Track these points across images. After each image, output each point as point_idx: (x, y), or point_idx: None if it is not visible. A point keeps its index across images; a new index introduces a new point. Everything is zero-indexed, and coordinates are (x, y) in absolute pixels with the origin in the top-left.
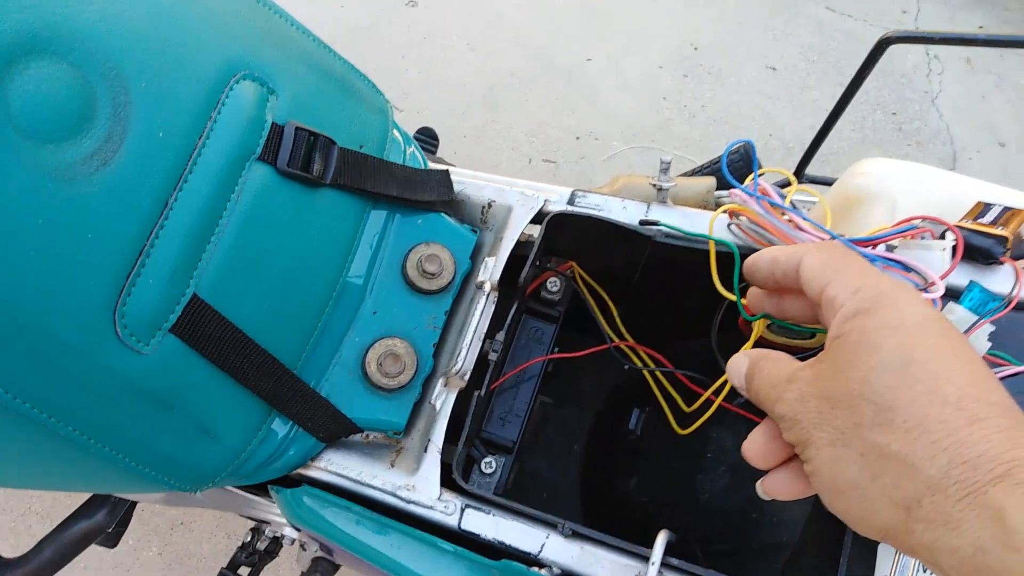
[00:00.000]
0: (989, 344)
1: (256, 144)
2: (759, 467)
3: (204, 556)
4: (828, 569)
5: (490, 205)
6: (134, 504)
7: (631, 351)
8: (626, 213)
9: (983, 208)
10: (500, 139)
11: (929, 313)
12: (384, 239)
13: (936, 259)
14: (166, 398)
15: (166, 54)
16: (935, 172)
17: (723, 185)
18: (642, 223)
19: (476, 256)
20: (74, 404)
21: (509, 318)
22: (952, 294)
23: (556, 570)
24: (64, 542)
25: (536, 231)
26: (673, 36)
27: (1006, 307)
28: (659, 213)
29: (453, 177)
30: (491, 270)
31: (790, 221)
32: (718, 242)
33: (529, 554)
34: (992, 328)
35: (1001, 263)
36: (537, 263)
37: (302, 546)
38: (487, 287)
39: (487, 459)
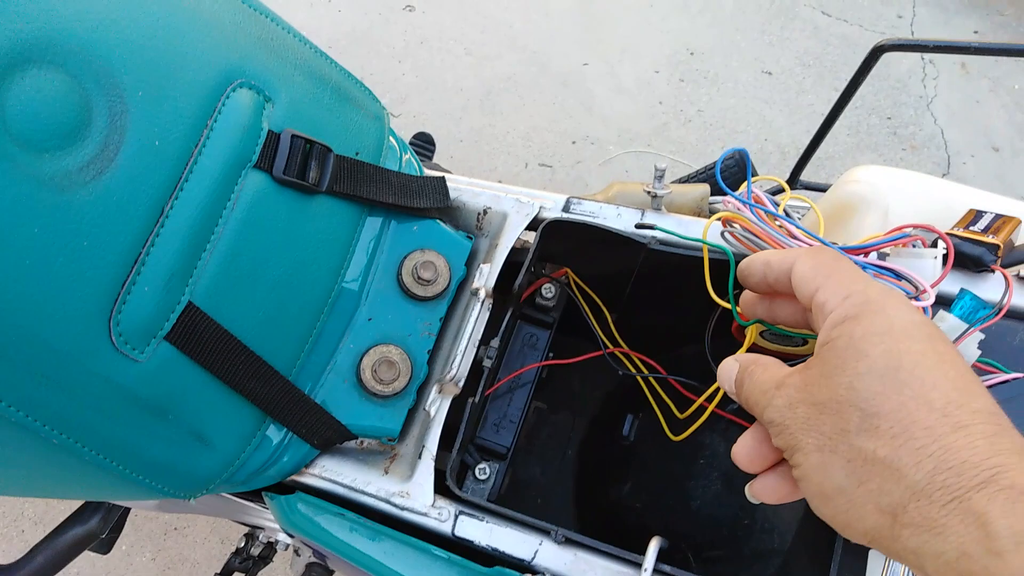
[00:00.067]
0: (979, 352)
1: (252, 152)
2: (748, 471)
3: (198, 562)
4: (819, 575)
5: (485, 212)
6: (128, 510)
7: (625, 357)
8: (621, 220)
9: (975, 216)
10: (496, 143)
11: (916, 319)
12: (379, 246)
13: (928, 267)
14: (161, 405)
15: (163, 63)
16: (927, 179)
17: (717, 192)
18: (638, 226)
19: (471, 263)
20: (68, 412)
21: (504, 324)
22: (943, 301)
23: None
24: (57, 548)
25: (530, 237)
26: (669, 41)
27: (996, 315)
28: (653, 220)
29: (449, 184)
30: (486, 277)
31: (783, 228)
32: (712, 248)
33: (522, 561)
34: (982, 336)
35: (992, 271)
36: (532, 269)
37: (296, 552)
38: (482, 294)
39: (481, 465)
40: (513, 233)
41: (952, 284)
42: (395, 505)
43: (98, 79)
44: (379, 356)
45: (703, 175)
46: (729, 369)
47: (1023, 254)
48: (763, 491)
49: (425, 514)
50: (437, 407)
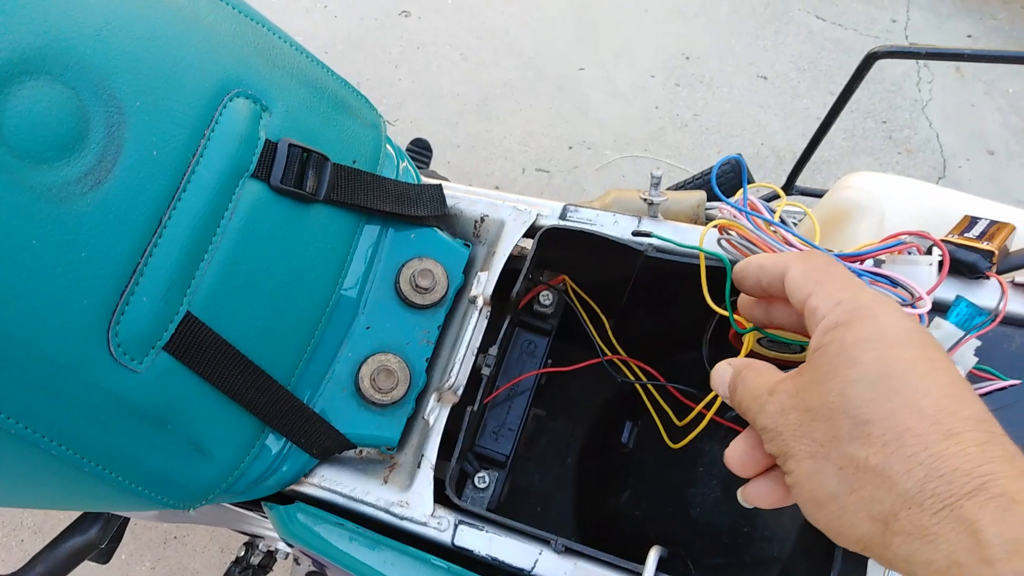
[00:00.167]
0: (976, 358)
1: (250, 161)
2: (741, 475)
3: (197, 571)
4: None
5: (483, 219)
6: (127, 520)
7: (623, 364)
8: (618, 227)
9: (970, 222)
10: (493, 148)
11: (908, 325)
12: (377, 254)
13: (923, 274)
14: (159, 416)
15: (160, 73)
16: (922, 186)
17: (714, 198)
18: (635, 233)
19: (469, 270)
20: (66, 423)
21: (502, 332)
22: (939, 308)
23: None
24: (57, 558)
25: (528, 245)
26: (665, 45)
27: (992, 322)
28: (650, 228)
29: (446, 192)
30: (484, 284)
31: (778, 235)
32: (709, 255)
33: (522, 570)
34: (979, 343)
35: (987, 277)
36: (530, 276)
37: (296, 561)
38: (480, 301)
39: (480, 474)
40: (510, 241)
41: (948, 291)
42: (394, 515)
43: (96, 90)
44: (377, 365)
45: (699, 181)
46: (722, 373)
47: (1018, 260)
48: (755, 495)
49: (424, 524)
50: (436, 416)
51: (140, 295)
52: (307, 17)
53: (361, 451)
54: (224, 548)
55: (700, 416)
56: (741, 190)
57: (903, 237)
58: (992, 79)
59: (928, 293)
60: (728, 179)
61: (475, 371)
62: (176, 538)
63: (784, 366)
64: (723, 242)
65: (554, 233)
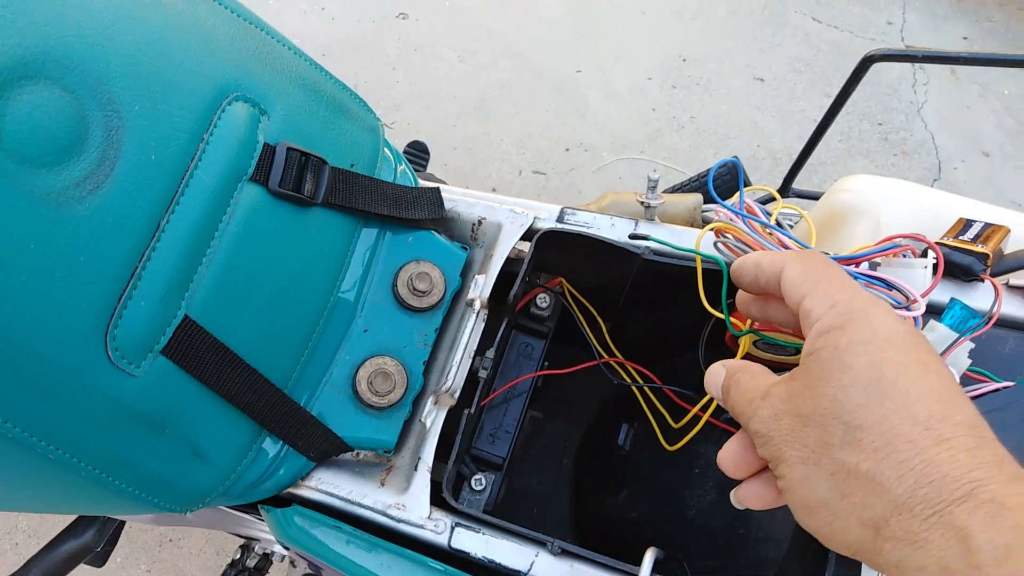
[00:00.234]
0: (970, 361)
1: (248, 165)
2: (733, 476)
3: (193, 574)
4: None
5: (480, 223)
6: (123, 523)
7: (620, 367)
8: (615, 230)
9: (965, 225)
10: (490, 151)
11: (901, 328)
12: (374, 257)
13: (918, 277)
14: (157, 420)
15: (159, 77)
16: (918, 189)
17: (710, 201)
18: (632, 236)
19: (466, 273)
20: (64, 427)
21: (499, 335)
22: (934, 311)
23: None
24: (52, 562)
25: (525, 248)
26: (661, 48)
27: (986, 324)
28: (647, 230)
29: (443, 195)
30: (481, 288)
31: (774, 238)
32: (705, 258)
33: (519, 572)
34: (973, 345)
35: (982, 280)
36: (527, 279)
37: (292, 563)
38: (477, 304)
39: (477, 476)
40: (508, 244)
41: (942, 293)
42: (391, 517)
43: (94, 94)
44: (375, 368)
45: (695, 184)
46: (716, 375)
47: (1012, 263)
48: (748, 497)
49: (421, 526)
50: (433, 418)
51: (138, 299)
52: (304, 19)
53: (358, 454)
54: (220, 551)
55: (696, 418)
56: (738, 193)
57: (898, 240)
58: (987, 81)
59: (923, 296)
60: (725, 182)
61: (472, 374)
62: (172, 541)
63: (779, 368)
64: (719, 245)
65: (551, 236)
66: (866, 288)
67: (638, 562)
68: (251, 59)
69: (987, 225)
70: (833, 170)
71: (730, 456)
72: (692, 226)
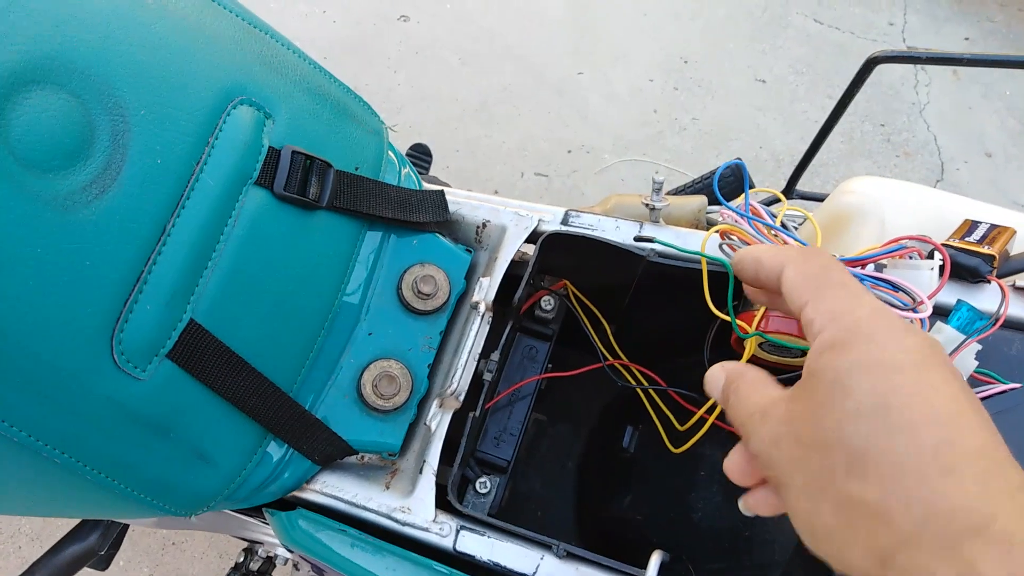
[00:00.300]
0: (977, 362)
1: (253, 169)
2: (740, 484)
3: None
4: None
5: (484, 225)
6: (126, 526)
7: (624, 369)
8: (619, 232)
9: (970, 226)
10: (492, 153)
11: (909, 344)
12: (379, 260)
13: (925, 278)
14: (162, 423)
15: (164, 81)
16: (923, 190)
17: (715, 203)
18: (637, 239)
19: (471, 276)
20: (70, 431)
21: (504, 337)
22: (940, 312)
23: None
24: (56, 566)
25: (529, 250)
26: (662, 49)
27: (993, 325)
28: (652, 233)
29: (447, 197)
30: (486, 290)
31: (779, 238)
32: (711, 260)
33: None
34: (979, 347)
35: (988, 281)
36: (531, 282)
37: (295, 566)
38: (482, 307)
39: (482, 479)
40: (512, 246)
41: (949, 295)
42: (396, 520)
43: (101, 99)
44: (380, 371)
45: (699, 185)
46: (715, 379)
47: (1018, 264)
48: (757, 504)
49: (426, 529)
50: (438, 421)
51: (144, 303)
52: (305, 22)
53: (363, 457)
54: (223, 554)
55: (701, 421)
56: (742, 195)
57: (904, 242)
58: (989, 82)
59: (929, 297)
60: (728, 183)
61: (477, 376)
62: (174, 544)
63: (785, 370)
64: (725, 247)
65: (556, 239)
66: (872, 290)
67: (643, 565)
68: (256, 63)
69: (993, 226)
70: (835, 171)
71: (736, 465)
72: (697, 228)
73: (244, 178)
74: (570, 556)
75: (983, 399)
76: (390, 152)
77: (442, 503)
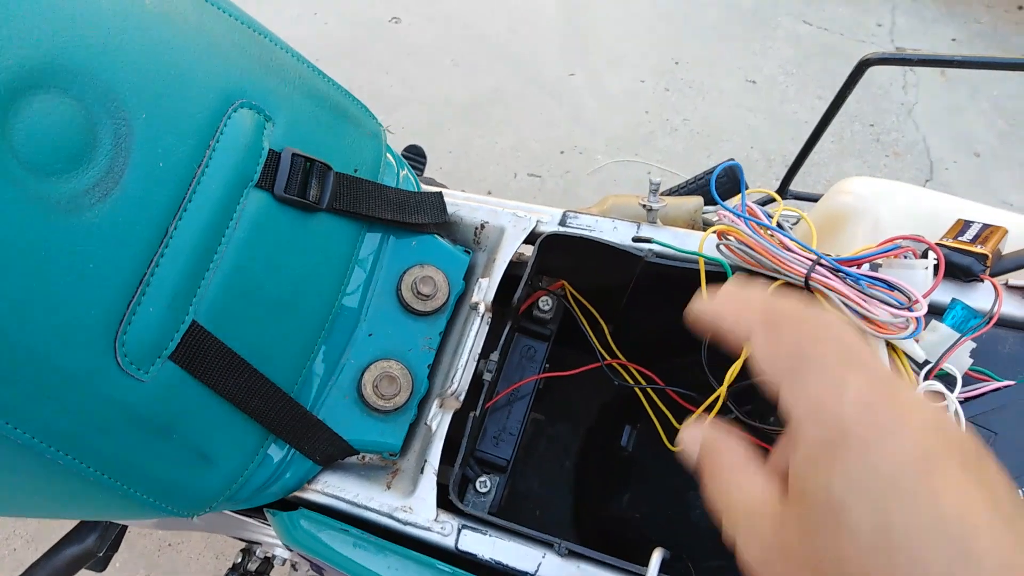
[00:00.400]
0: (971, 360)
1: (254, 171)
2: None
3: None
4: None
5: (483, 226)
6: (125, 528)
7: (622, 368)
8: (617, 233)
9: (963, 226)
10: (485, 154)
11: (906, 445)
12: (379, 262)
13: (919, 277)
14: (164, 424)
15: (166, 85)
16: (916, 190)
17: (711, 203)
18: (635, 239)
19: (469, 277)
20: (73, 432)
21: (503, 338)
22: (935, 311)
23: None
24: (55, 567)
25: (527, 251)
26: (654, 51)
27: (987, 324)
28: (650, 233)
29: (445, 199)
30: (485, 291)
31: (776, 239)
32: (709, 260)
33: (526, 574)
34: (974, 345)
35: (981, 280)
36: (529, 283)
37: (293, 566)
38: (482, 308)
39: (482, 479)
40: (511, 247)
41: (943, 294)
42: (398, 520)
43: (103, 102)
44: (380, 371)
45: (693, 186)
46: (690, 442)
47: (1011, 263)
48: None
49: (428, 528)
50: (438, 421)
51: (147, 305)
52: (297, 25)
53: (364, 457)
54: (219, 554)
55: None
56: (738, 195)
57: (899, 241)
58: (977, 83)
59: (924, 296)
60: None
61: (476, 376)
62: (171, 545)
63: None
64: (722, 247)
65: (555, 239)
66: (868, 289)
67: (643, 563)
68: (256, 66)
69: (985, 226)
70: (827, 171)
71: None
72: (693, 228)
73: (245, 181)
74: (572, 554)
75: (977, 396)
76: (388, 154)
77: (443, 502)
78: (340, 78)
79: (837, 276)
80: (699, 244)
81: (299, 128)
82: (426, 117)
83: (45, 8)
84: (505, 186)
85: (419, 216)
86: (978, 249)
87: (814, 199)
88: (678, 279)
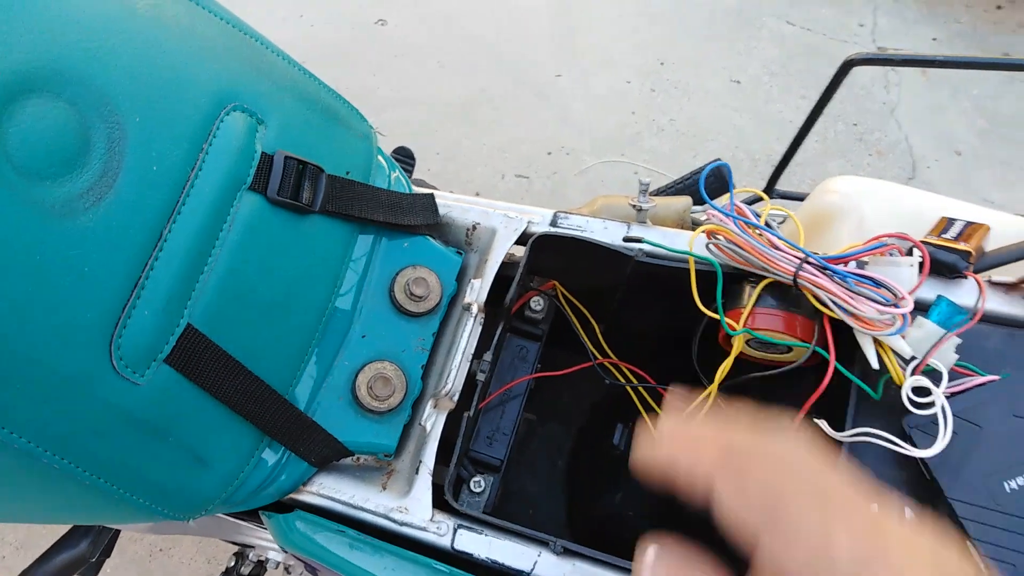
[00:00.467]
0: (957, 356)
1: (247, 174)
2: None
3: None
4: None
5: (474, 227)
6: (117, 533)
7: (614, 368)
8: (607, 233)
9: (947, 223)
10: (473, 155)
11: None
12: (371, 263)
13: (905, 275)
14: (160, 427)
15: (158, 89)
16: (900, 188)
17: (699, 203)
18: (626, 239)
19: (462, 278)
20: (68, 436)
21: (496, 338)
22: (920, 308)
23: None
24: (47, 573)
25: (518, 252)
26: (640, 52)
27: (972, 319)
28: (640, 233)
29: (437, 200)
30: (477, 292)
31: (764, 238)
32: (698, 259)
33: (522, 572)
34: (959, 341)
35: (965, 277)
36: (520, 283)
37: (287, 570)
38: (474, 308)
39: (476, 478)
40: (502, 248)
41: (928, 291)
42: (394, 520)
43: (96, 106)
44: (374, 373)
45: (680, 186)
46: (644, 567)
47: (994, 260)
48: None
49: (424, 529)
50: (432, 422)
51: (142, 308)
52: (283, 27)
53: (359, 458)
54: (211, 559)
55: None
56: (726, 194)
57: (885, 239)
58: (957, 82)
59: (910, 293)
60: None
61: (470, 377)
62: (162, 551)
63: (772, 366)
64: (711, 246)
65: (546, 240)
66: (856, 287)
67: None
68: (247, 69)
69: (968, 223)
70: (811, 171)
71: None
72: (682, 228)
73: (238, 183)
74: (567, 552)
75: (963, 392)
76: (379, 156)
77: (438, 503)
78: (327, 81)
79: (825, 274)
80: (689, 243)
81: (291, 131)
82: (414, 119)
83: (37, 13)
84: (493, 187)
85: (411, 217)
86: (962, 246)
87: (800, 198)
88: (668, 278)
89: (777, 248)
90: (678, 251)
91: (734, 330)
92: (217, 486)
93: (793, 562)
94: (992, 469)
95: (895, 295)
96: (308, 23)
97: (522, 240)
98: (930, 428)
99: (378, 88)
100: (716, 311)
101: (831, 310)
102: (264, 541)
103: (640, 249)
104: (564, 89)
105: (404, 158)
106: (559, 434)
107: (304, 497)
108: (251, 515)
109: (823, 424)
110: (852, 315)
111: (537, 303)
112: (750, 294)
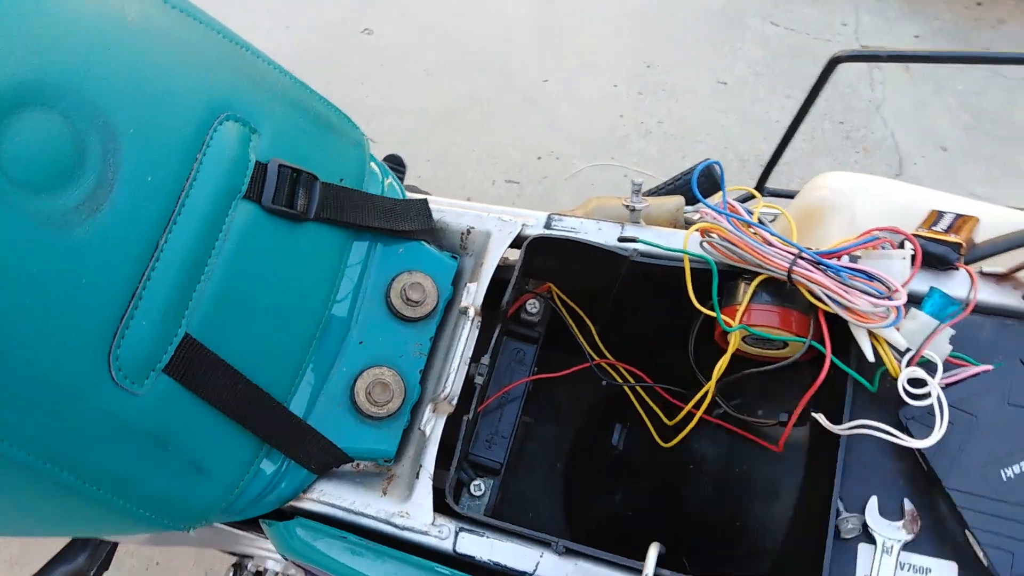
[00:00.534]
0: (951, 347)
1: (241, 183)
2: None
3: None
4: (811, 573)
5: (469, 232)
6: (115, 546)
7: (611, 368)
8: (602, 234)
9: (937, 216)
10: (463, 161)
11: None
12: (367, 269)
13: (897, 267)
14: (160, 437)
15: (152, 100)
16: (889, 183)
17: (692, 202)
18: (621, 239)
19: (458, 282)
20: (69, 448)
21: (493, 341)
22: (914, 300)
23: None
24: None
25: (513, 255)
26: (626, 55)
27: (965, 310)
28: (634, 233)
29: (431, 206)
30: (473, 295)
31: (758, 235)
32: (693, 257)
33: (524, 573)
34: (953, 332)
35: (957, 268)
36: (516, 286)
37: None
38: (471, 312)
39: (476, 481)
40: (497, 251)
41: (921, 283)
42: (395, 525)
43: (91, 119)
44: (372, 379)
45: (672, 186)
46: None
47: (984, 251)
48: None
49: (426, 532)
50: (432, 426)
51: (139, 319)
52: (269, 37)
53: (358, 464)
54: (208, 570)
55: (690, 415)
56: (718, 193)
57: (876, 233)
58: (941, 79)
59: (903, 285)
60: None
61: (468, 380)
62: (158, 564)
63: (768, 362)
64: (705, 244)
65: (541, 242)
66: (849, 280)
67: (636, 558)
68: (239, 78)
69: (958, 216)
70: (799, 169)
71: None
72: (675, 227)
73: (233, 192)
74: (569, 552)
75: (958, 382)
76: (372, 163)
77: (439, 506)
78: (316, 89)
79: (818, 268)
80: (683, 242)
81: (284, 139)
82: (403, 126)
83: (29, 27)
84: (484, 192)
85: (406, 223)
86: (952, 238)
87: (790, 196)
88: (664, 277)
89: (771, 244)
90: (673, 250)
91: (730, 327)
92: (217, 495)
93: None
94: (989, 458)
95: (888, 288)
96: (294, 34)
97: (517, 243)
98: (926, 419)
99: (366, 97)
100: (712, 308)
101: (826, 304)
102: (263, 551)
103: (635, 249)
104: (552, 94)
105: (395, 165)
106: (558, 436)
107: (304, 504)
108: (251, 524)
109: (821, 418)
110: (847, 308)
111: (533, 305)
112: (745, 291)
